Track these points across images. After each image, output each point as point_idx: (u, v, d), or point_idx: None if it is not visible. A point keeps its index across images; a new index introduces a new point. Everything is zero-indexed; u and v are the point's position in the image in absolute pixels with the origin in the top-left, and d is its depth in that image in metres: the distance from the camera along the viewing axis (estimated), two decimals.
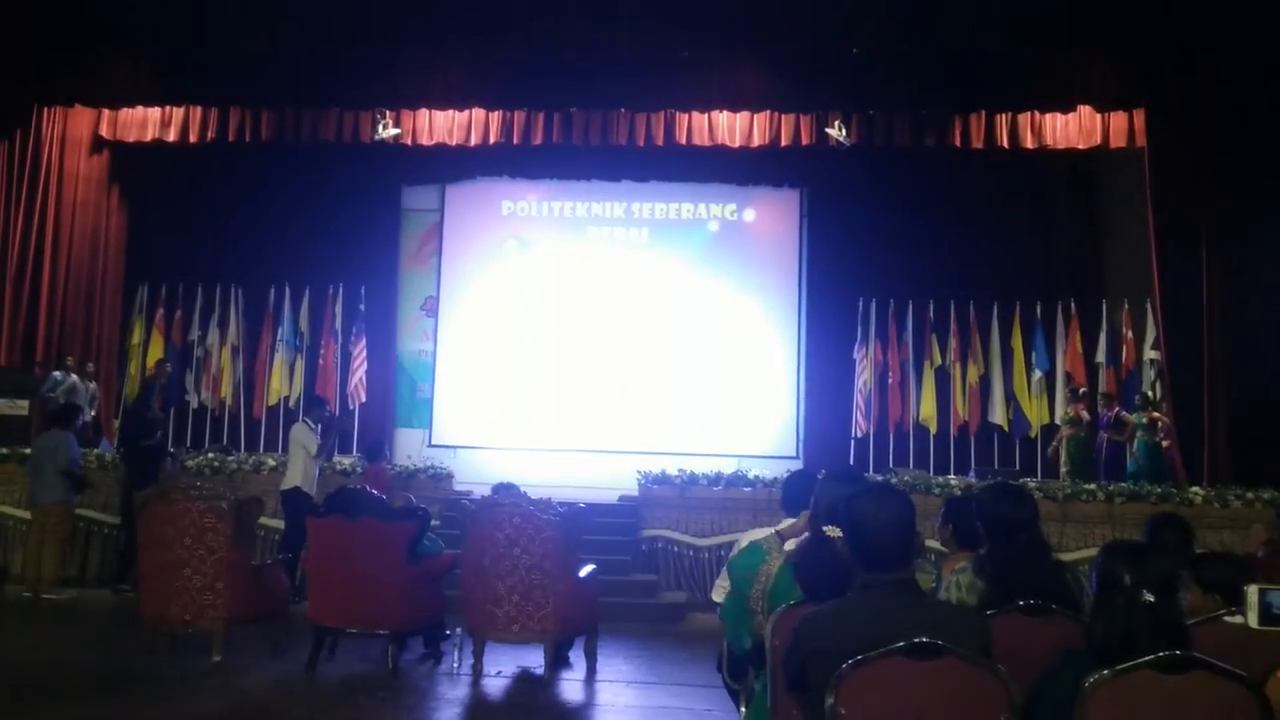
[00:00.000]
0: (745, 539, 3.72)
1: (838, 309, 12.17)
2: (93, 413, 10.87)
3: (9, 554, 9.07)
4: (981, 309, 11.86)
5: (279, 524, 8.72)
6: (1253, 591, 2.61)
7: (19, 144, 10.76)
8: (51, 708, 5.24)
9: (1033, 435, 11.54)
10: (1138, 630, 2.29)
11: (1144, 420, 10.35)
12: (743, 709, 3.68)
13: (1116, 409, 10.72)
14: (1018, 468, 10.40)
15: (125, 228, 12.09)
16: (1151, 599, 2.32)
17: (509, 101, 10.91)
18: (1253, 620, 2.59)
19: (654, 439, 11.86)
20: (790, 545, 3.33)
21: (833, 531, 2.86)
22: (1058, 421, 11.16)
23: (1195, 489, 8.83)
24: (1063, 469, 10.54)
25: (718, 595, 3.93)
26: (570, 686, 6.05)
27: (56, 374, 10.55)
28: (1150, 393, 10.81)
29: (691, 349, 12.58)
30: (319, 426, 8.65)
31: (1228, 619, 2.94)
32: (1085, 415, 10.76)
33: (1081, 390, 11.08)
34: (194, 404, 12.33)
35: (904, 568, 2.48)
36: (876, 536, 2.46)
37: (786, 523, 3.39)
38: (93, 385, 11.01)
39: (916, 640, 2.30)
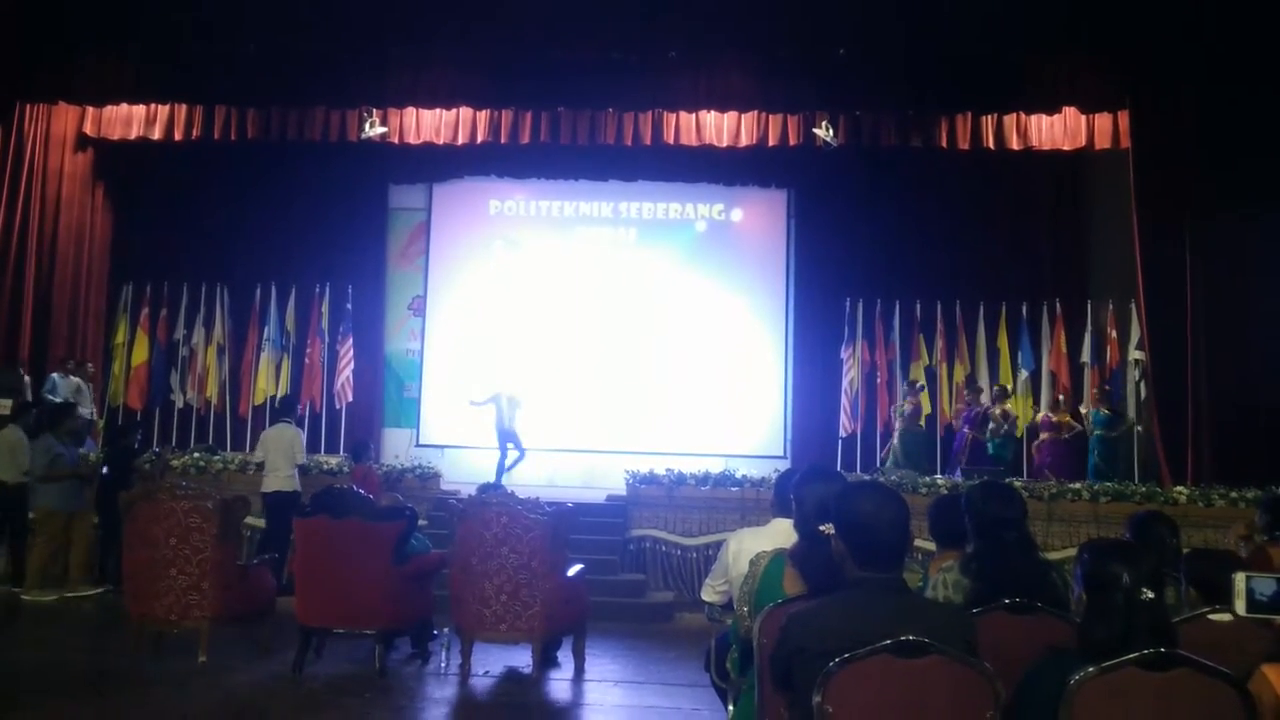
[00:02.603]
0: (734, 539, 3.73)
1: (825, 309, 12.20)
2: (92, 410, 10.80)
3: None
4: (968, 309, 11.90)
5: (261, 523, 8.70)
6: (1240, 579, 2.62)
7: (1, 142, 10.67)
8: (36, 708, 5.20)
9: (1019, 435, 11.57)
10: (1135, 628, 2.30)
11: (999, 413, 10.68)
12: (730, 707, 3.68)
13: (987, 406, 10.93)
14: (1003, 467, 10.45)
15: (110, 226, 12.01)
16: (1151, 596, 2.33)
17: (497, 100, 10.89)
18: (1240, 608, 2.60)
19: (641, 438, 11.86)
20: (765, 543, 3.34)
21: (829, 529, 2.86)
22: (893, 413, 11.31)
23: (1179, 488, 8.89)
24: (890, 459, 10.84)
25: (707, 594, 3.94)
26: (558, 686, 6.05)
27: (54, 375, 10.47)
28: (1009, 385, 11.20)
29: (679, 349, 12.59)
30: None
31: (1211, 616, 2.97)
32: (924, 408, 11.11)
33: (919, 385, 11.38)
34: (179, 403, 12.24)
35: (897, 567, 2.49)
36: (876, 535, 2.46)
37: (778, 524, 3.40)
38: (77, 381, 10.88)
39: (903, 638, 2.30)
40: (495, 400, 11.29)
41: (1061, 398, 11.23)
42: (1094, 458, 10.58)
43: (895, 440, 10.98)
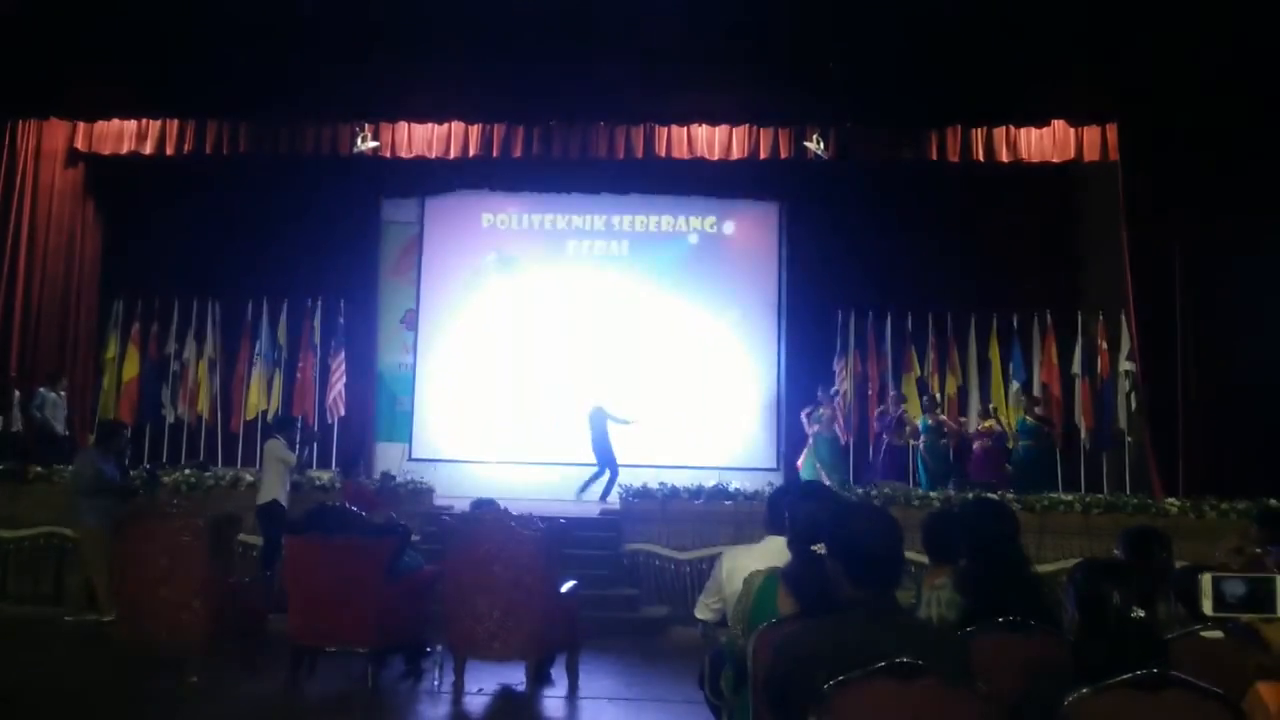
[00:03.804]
0: (728, 557, 3.73)
1: (817, 321, 12.22)
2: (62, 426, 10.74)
3: None
4: (959, 320, 11.93)
5: (257, 540, 8.66)
6: (1206, 580, 2.64)
7: None
8: None
9: (1010, 446, 11.59)
10: (1127, 648, 2.31)
11: (929, 422, 10.88)
12: None
13: (901, 410, 11.18)
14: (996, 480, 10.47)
15: (101, 241, 11.99)
16: (1142, 615, 2.34)
17: (489, 114, 10.92)
18: (1207, 608, 2.62)
19: (635, 452, 11.82)
20: (758, 562, 3.35)
21: (821, 549, 2.86)
22: (811, 422, 11.40)
23: (1171, 500, 8.91)
24: (810, 466, 11.03)
25: (700, 612, 3.93)
26: (552, 704, 6.02)
27: (42, 390, 10.43)
28: (938, 394, 11.41)
29: (671, 361, 12.60)
30: (297, 439, 8.68)
31: (1203, 634, 2.97)
32: (838, 415, 11.29)
33: (834, 392, 11.49)
34: (170, 418, 12.18)
35: (890, 587, 2.49)
36: (869, 557, 2.46)
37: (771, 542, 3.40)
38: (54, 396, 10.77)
39: (898, 660, 2.30)
40: (595, 413, 11.37)
41: (993, 406, 11.39)
42: (1010, 463, 10.77)
43: (812, 446, 11.22)
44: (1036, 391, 11.63)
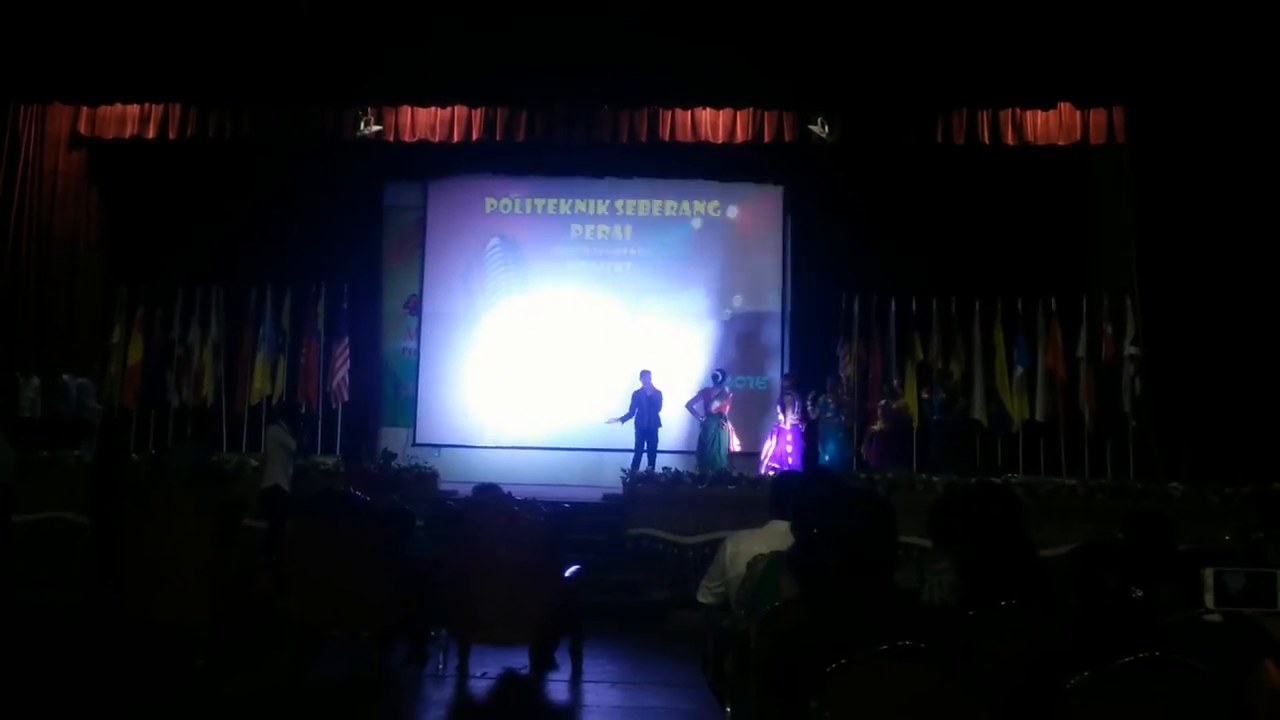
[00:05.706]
0: (731, 541, 3.74)
1: (821, 305, 12.19)
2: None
3: None
4: (963, 305, 11.87)
5: (261, 524, 8.70)
6: (1209, 574, 2.64)
7: None
8: (32, 713, 5.20)
9: (1014, 431, 11.58)
10: (1127, 630, 2.32)
11: (830, 403, 10.84)
12: (727, 708, 3.69)
13: (792, 396, 11.15)
14: (999, 464, 10.46)
15: (105, 226, 11.99)
16: (1140, 595, 2.35)
17: (492, 98, 10.89)
18: (1209, 601, 2.63)
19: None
20: (762, 546, 3.36)
21: None
22: (696, 409, 11.29)
23: (1174, 484, 8.91)
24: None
25: (703, 596, 3.95)
26: (556, 687, 6.04)
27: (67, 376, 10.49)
28: (845, 375, 11.35)
29: (675, 346, 12.59)
30: (299, 426, 8.72)
31: (1205, 617, 2.97)
32: (713, 406, 11.18)
33: (722, 375, 11.43)
34: (175, 403, 12.19)
35: (887, 571, 2.50)
36: (862, 544, 2.47)
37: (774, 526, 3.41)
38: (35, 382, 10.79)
39: (899, 643, 2.31)
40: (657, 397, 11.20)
41: (897, 383, 11.28)
42: (932, 445, 10.65)
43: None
44: (1040, 377, 11.58)
